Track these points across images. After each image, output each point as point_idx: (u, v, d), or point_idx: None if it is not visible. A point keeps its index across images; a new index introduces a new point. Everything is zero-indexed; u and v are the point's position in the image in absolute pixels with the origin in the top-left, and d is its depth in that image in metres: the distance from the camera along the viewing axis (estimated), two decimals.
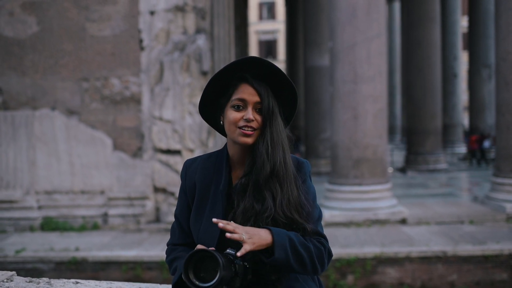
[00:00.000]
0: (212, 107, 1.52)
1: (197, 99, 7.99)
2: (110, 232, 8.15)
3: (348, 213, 8.21)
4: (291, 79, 1.46)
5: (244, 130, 1.39)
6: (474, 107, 18.06)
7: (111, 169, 8.55)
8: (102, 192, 8.58)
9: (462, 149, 19.61)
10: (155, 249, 7.07)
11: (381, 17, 8.52)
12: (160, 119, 8.44)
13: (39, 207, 8.53)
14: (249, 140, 1.40)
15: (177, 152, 8.44)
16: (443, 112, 16.43)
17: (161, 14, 8.45)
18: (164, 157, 8.46)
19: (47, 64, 8.58)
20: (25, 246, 7.22)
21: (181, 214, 1.52)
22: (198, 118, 8.17)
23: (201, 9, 8.49)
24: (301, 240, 1.34)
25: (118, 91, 8.55)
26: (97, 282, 1.74)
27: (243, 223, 1.36)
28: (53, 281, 1.73)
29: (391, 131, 24.45)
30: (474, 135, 16.89)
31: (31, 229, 8.29)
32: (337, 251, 6.61)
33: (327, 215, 8.17)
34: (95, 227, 8.35)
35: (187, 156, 8.24)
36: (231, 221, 1.28)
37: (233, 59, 9.47)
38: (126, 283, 1.75)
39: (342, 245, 6.96)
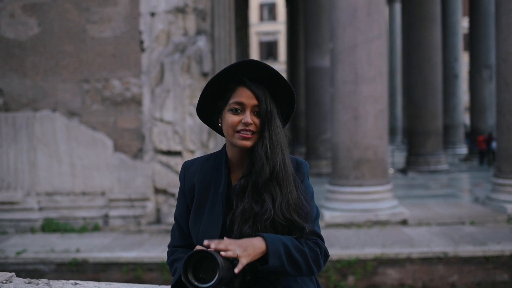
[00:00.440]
0: (210, 109, 1.52)
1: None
2: (111, 233, 8.16)
3: (349, 214, 8.20)
4: (292, 80, 1.47)
5: (243, 133, 1.40)
6: (475, 107, 18.04)
7: (112, 170, 8.55)
8: (102, 194, 8.58)
9: (463, 150, 19.59)
10: (155, 250, 7.07)
11: (382, 18, 8.52)
12: (161, 120, 8.44)
13: (40, 209, 8.53)
14: (248, 143, 1.40)
15: (177, 153, 8.44)
16: (444, 113, 16.40)
17: (161, 15, 8.46)
18: (164, 158, 8.47)
19: (48, 66, 8.59)
20: (26, 248, 7.22)
21: (181, 216, 1.52)
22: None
23: (202, 11, 8.50)
24: (296, 244, 1.33)
25: (119, 93, 8.55)
26: (96, 283, 1.73)
27: (242, 223, 1.36)
28: (52, 282, 1.73)
29: (392, 132, 24.45)
30: (482, 136, 16.76)
31: (32, 230, 8.30)
32: (337, 252, 6.61)
33: (328, 216, 8.17)
34: (96, 228, 8.35)
35: (188, 157, 8.24)
36: (224, 238, 1.26)
37: (233, 60, 9.47)
38: (125, 284, 1.74)
39: (343, 246, 6.95)
